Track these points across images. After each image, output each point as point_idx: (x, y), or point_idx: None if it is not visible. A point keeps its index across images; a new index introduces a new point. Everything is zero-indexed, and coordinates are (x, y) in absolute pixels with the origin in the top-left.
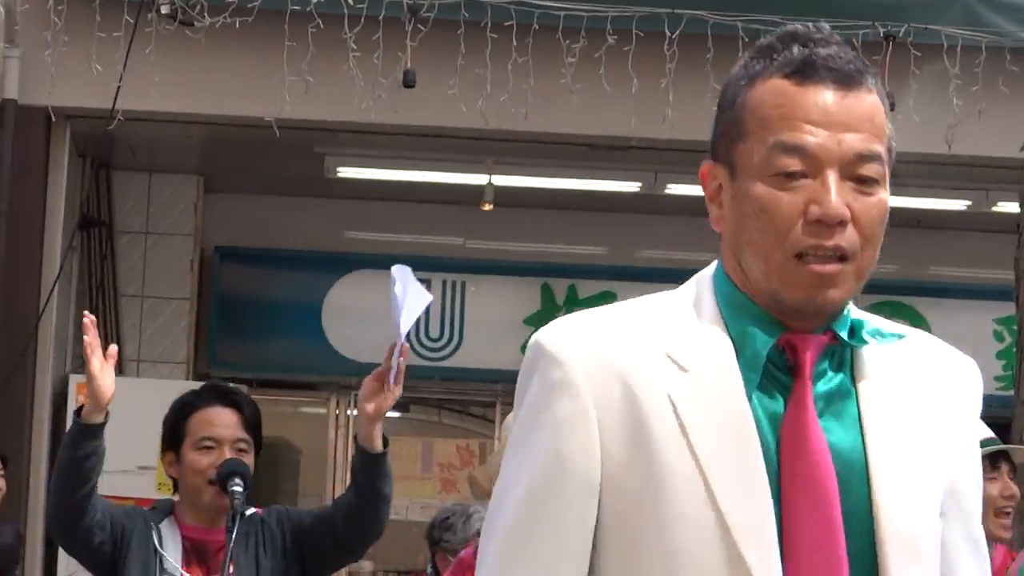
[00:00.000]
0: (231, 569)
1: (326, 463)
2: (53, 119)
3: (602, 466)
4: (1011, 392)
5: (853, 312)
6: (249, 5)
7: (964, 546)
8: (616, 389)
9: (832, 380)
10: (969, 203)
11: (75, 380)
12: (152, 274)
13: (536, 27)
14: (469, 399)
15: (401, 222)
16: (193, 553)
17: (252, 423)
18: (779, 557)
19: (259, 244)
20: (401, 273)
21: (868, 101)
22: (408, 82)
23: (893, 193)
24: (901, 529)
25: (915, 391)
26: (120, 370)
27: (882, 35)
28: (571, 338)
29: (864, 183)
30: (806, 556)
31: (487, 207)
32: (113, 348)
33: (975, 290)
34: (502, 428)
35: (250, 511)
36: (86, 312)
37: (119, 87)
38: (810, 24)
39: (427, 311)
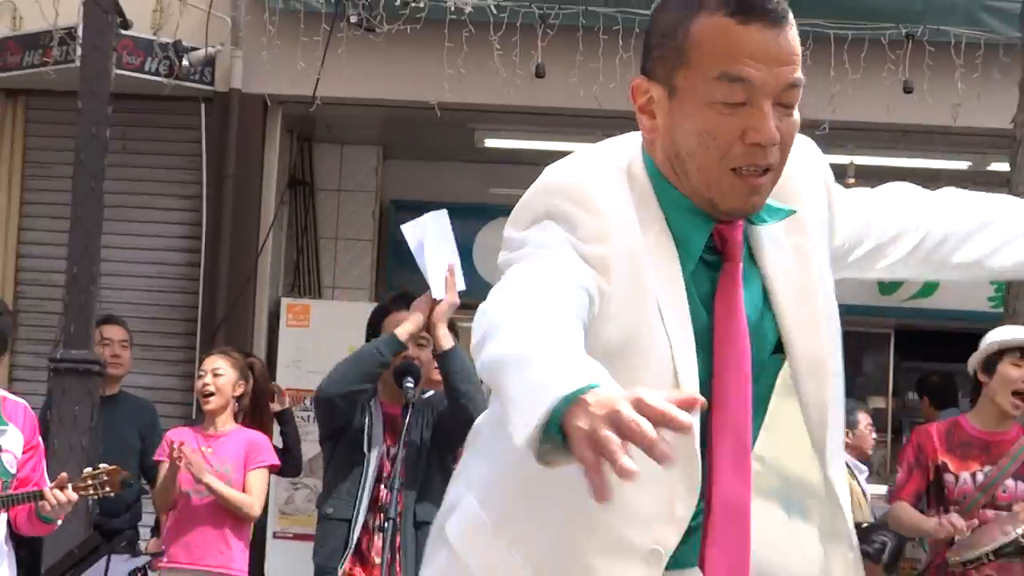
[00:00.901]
0: (404, 439)
1: None
2: (268, 104)
3: (600, 298)
4: (1001, 309)
5: None
6: (418, 15)
7: (900, 217)
8: (631, 249)
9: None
10: (970, 163)
11: (285, 302)
12: (343, 222)
13: (637, 30)
14: None
15: (532, 179)
16: (389, 424)
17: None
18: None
19: (424, 198)
20: (418, 229)
21: (791, 35)
22: (539, 73)
23: (913, 157)
24: (805, 356)
25: (794, 239)
26: (319, 294)
27: (903, 34)
28: (603, 192)
29: (787, 107)
30: (731, 407)
31: None
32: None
33: None
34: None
35: (428, 394)
36: (450, 263)
37: (318, 79)
38: None
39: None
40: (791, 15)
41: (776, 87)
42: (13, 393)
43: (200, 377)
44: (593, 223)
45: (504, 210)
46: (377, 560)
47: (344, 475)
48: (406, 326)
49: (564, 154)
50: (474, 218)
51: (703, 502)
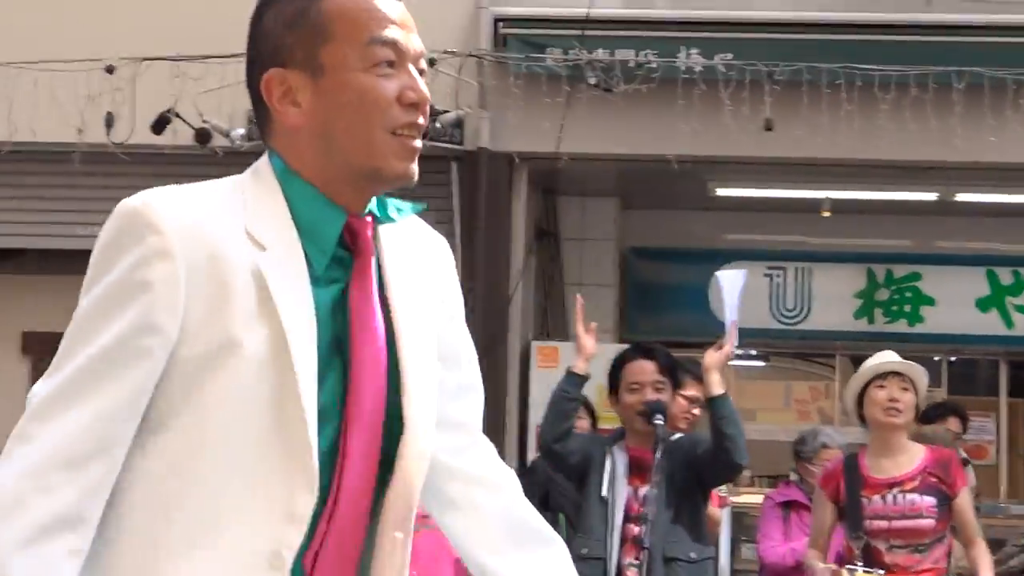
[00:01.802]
0: (656, 478)
1: None
2: (515, 161)
3: (181, 322)
4: None
5: None
6: (652, 76)
7: (454, 386)
8: (204, 257)
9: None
10: None
11: (535, 345)
12: (586, 269)
13: (859, 84)
14: (816, 352)
15: (763, 225)
16: (635, 467)
17: (666, 368)
18: (315, 407)
19: (661, 244)
20: (727, 278)
21: (403, 5)
22: (768, 127)
23: None
24: (415, 377)
25: (414, 261)
26: (567, 337)
27: None
28: (165, 208)
29: (421, 73)
30: (365, 401)
31: (825, 213)
32: (592, 324)
33: None
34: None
35: (676, 436)
36: (578, 296)
37: (560, 137)
38: None
39: (781, 290)
40: None
41: (414, 53)
42: None
43: None
44: (155, 242)
45: (736, 254)
46: None
47: (594, 516)
48: (577, 362)
49: (792, 201)
50: (707, 262)
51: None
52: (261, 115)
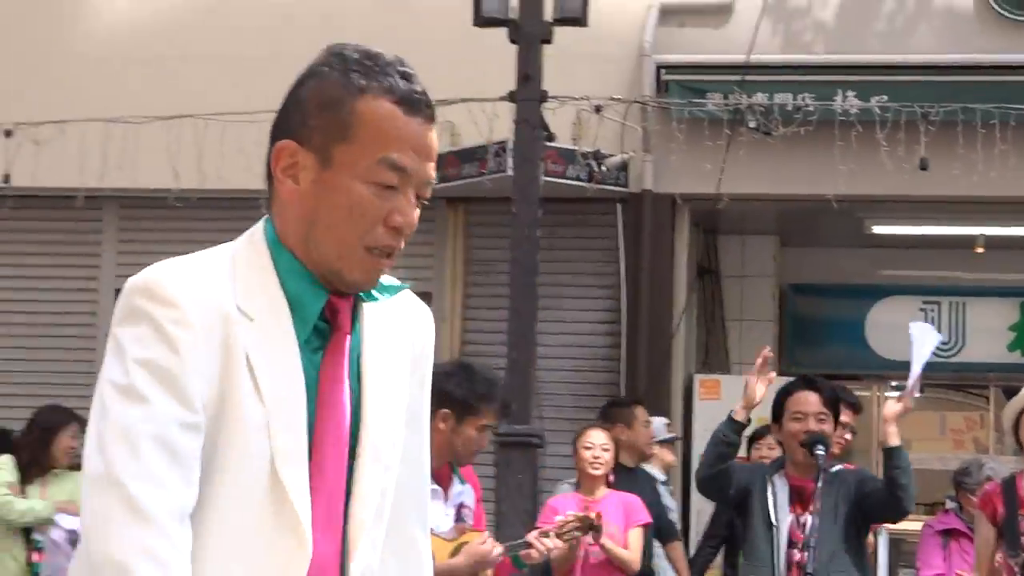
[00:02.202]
0: (818, 506)
1: (871, 434)
2: (677, 202)
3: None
4: None
5: None
6: (809, 119)
7: (415, 448)
8: (217, 329)
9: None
10: None
11: (697, 378)
12: (747, 304)
13: (1012, 123)
14: (970, 383)
15: (918, 262)
16: (795, 495)
17: (829, 400)
18: (306, 474)
19: (819, 280)
20: (920, 330)
21: (435, 135)
22: (923, 166)
23: None
24: (373, 443)
25: (394, 335)
26: (728, 370)
27: None
28: (179, 283)
29: (421, 200)
30: (327, 473)
31: (979, 249)
32: (772, 375)
33: None
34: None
35: (835, 468)
36: (766, 347)
37: (720, 178)
38: (392, 54)
39: (936, 323)
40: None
41: (421, 180)
42: None
43: (589, 449)
44: (169, 314)
45: (893, 289)
46: None
47: (757, 543)
48: (739, 408)
49: (947, 238)
50: (866, 298)
51: None
52: (268, 176)
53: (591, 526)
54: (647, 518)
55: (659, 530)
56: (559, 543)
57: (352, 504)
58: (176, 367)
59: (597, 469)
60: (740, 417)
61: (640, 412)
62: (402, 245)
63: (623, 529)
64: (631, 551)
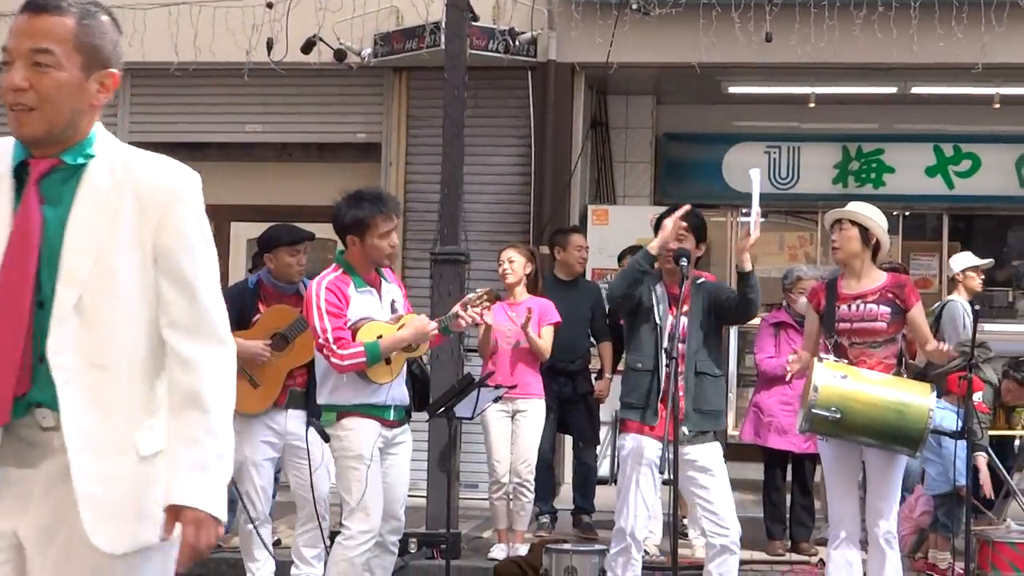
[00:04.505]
0: (685, 309)
1: (725, 253)
2: (576, 69)
3: None
4: None
5: (97, 145)
6: (680, 2)
7: (169, 282)
8: None
9: (61, 183)
10: None
11: (591, 208)
12: (629, 150)
13: (838, 4)
14: (803, 209)
15: (763, 115)
16: (671, 299)
17: (693, 225)
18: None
19: (686, 130)
20: (756, 175)
21: (50, 21)
22: (768, 38)
23: None
24: (67, 268)
25: (115, 193)
26: (614, 201)
27: None
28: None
29: (39, 66)
30: (12, 279)
31: (811, 104)
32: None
33: None
34: None
35: (699, 279)
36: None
37: (609, 50)
38: None
39: (777, 163)
40: (63, 8)
41: (22, 52)
42: (404, 277)
43: (500, 264)
44: None
45: (744, 137)
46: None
47: (644, 338)
48: (654, 243)
49: (786, 95)
50: (723, 144)
51: None
52: None
53: (496, 297)
54: (557, 318)
55: (594, 331)
56: (476, 313)
57: (54, 309)
58: None
59: (508, 278)
60: (654, 251)
61: (574, 238)
62: (25, 100)
63: (536, 325)
64: (544, 341)
